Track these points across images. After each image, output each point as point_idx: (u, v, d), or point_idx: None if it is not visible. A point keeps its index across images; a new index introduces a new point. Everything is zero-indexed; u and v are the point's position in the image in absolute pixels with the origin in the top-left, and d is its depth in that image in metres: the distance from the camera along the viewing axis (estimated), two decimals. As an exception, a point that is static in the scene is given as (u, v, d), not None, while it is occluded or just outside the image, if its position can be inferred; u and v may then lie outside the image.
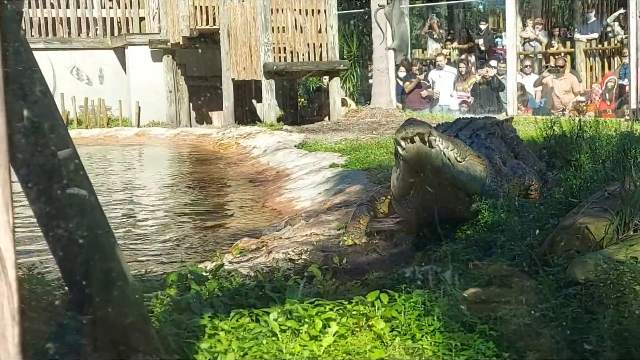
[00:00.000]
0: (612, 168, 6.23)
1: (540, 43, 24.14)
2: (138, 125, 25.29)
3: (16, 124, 2.37)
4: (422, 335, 3.79)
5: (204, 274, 5.00)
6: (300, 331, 3.86)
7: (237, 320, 3.92)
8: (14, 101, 2.36)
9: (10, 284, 1.58)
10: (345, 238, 7.05)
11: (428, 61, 26.69)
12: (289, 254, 6.57)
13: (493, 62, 23.82)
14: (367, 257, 6.51)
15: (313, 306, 4.02)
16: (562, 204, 5.90)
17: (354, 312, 4.00)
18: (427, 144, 5.87)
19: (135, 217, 10.65)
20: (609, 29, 22.55)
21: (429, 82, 24.87)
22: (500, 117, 20.19)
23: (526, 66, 22.95)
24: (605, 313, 3.62)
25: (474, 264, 4.26)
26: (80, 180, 2.69)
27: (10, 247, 1.61)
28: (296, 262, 6.34)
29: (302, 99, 28.66)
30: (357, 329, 3.93)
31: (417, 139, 5.82)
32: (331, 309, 4.01)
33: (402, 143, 5.88)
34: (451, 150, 6.24)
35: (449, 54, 26.53)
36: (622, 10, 21.97)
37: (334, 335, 3.85)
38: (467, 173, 6.43)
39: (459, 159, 6.36)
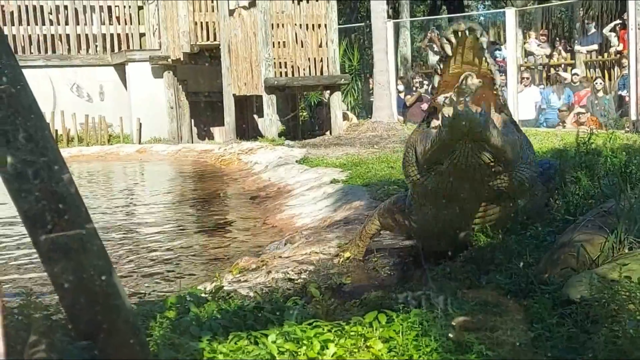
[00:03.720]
0: (609, 185, 6.25)
1: (548, 57, 24.21)
2: (139, 142, 25.34)
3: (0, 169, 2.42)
4: (420, 356, 3.80)
5: (203, 295, 5.01)
6: (299, 353, 3.87)
7: (235, 343, 3.92)
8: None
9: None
10: (342, 253, 7.09)
11: (430, 74, 26.77)
12: (288, 273, 6.59)
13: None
14: (366, 275, 6.53)
15: (311, 328, 4.02)
16: (559, 221, 5.92)
17: (352, 333, 4.01)
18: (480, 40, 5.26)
19: (135, 235, 10.65)
20: (606, 31, 22.68)
21: (430, 95, 24.93)
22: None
23: (524, 78, 22.96)
24: (599, 333, 3.65)
25: (462, 292, 4.28)
26: (77, 211, 2.72)
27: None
28: (295, 281, 6.36)
29: (304, 113, 28.71)
30: (355, 350, 3.93)
31: (474, 38, 5.22)
32: (329, 330, 4.01)
33: (452, 38, 5.26)
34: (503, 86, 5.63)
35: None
36: (618, 21, 22.04)
37: (332, 356, 3.86)
38: (505, 134, 5.65)
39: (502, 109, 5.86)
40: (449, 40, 5.32)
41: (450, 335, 3.76)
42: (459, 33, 5.23)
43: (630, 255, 4.53)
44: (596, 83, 21.69)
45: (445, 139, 5.49)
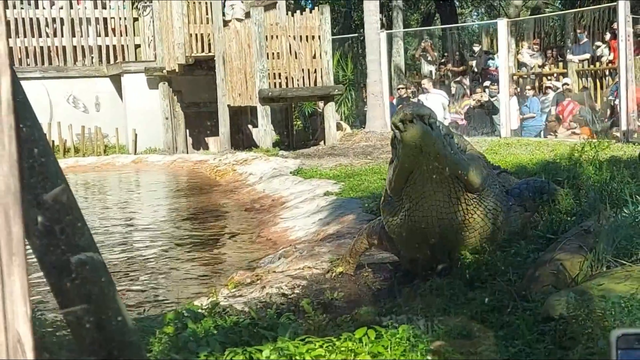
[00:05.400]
0: (591, 203, 6.43)
1: (541, 66, 24.37)
2: (135, 152, 25.37)
3: (31, 227, 2.66)
4: (407, 371, 3.97)
5: (200, 311, 5.16)
6: (291, 368, 4.03)
7: (231, 359, 4.08)
8: (29, 208, 2.66)
9: (30, 366, 1.82)
10: (334, 268, 7.25)
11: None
12: (282, 288, 6.73)
13: (486, 84, 24.01)
14: (358, 290, 6.68)
15: (303, 343, 4.14)
16: (542, 238, 6.09)
17: (342, 349, 4.14)
18: (428, 125, 5.54)
19: (131, 249, 10.75)
20: (598, 50, 22.83)
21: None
22: (494, 139, 20.53)
23: (517, 89, 23.15)
24: (575, 349, 3.83)
25: (438, 320, 4.45)
26: (97, 262, 2.96)
27: (28, 334, 1.84)
28: (289, 297, 6.50)
29: (298, 123, 28.80)
30: (346, 365, 4.09)
31: (417, 119, 5.48)
32: (321, 346, 4.13)
33: (401, 126, 5.51)
34: (452, 137, 5.95)
35: (444, 76, 26.78)
36: (607, 35, 22.21)
37: (323, 371, 4.02)
38: (468, 162, 5.97)
39: (460, 147, 6.09)
40: (397, 127, 5.59)
41: (429, 357, 3.94)
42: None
43: (607, 274, 4.72)
44: (584, 93, 21.90)
45: (402, 156, 5.74)
